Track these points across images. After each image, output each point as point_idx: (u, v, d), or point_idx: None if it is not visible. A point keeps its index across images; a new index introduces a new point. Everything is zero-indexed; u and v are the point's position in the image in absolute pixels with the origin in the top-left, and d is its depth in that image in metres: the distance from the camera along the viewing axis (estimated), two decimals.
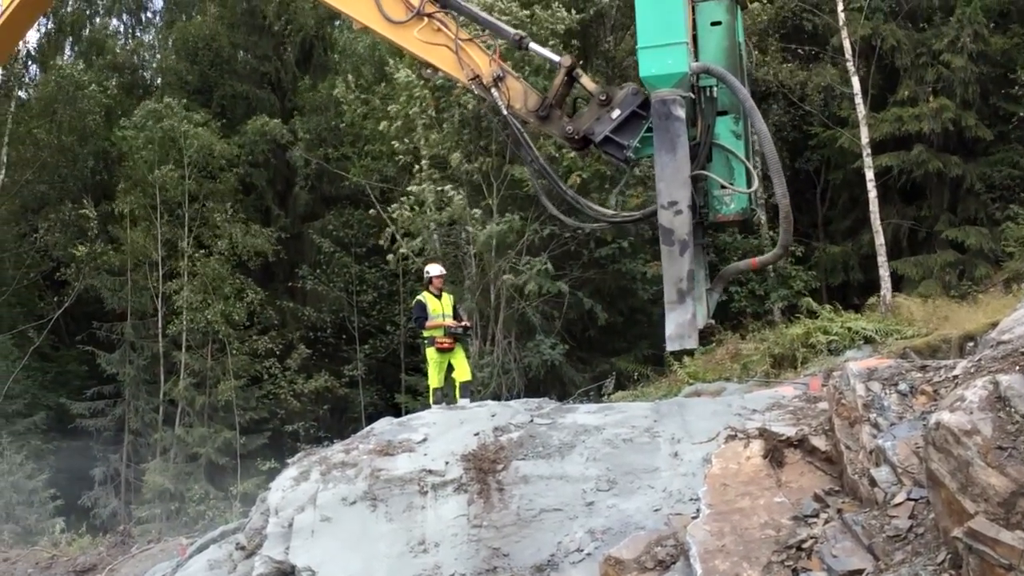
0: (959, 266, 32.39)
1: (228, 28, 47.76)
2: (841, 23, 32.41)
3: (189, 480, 36.31)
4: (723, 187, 14.72)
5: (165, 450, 37.45)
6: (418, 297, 20.12)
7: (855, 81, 32.04)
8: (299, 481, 15.34)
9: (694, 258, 14.39)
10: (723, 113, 14.90)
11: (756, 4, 35.09)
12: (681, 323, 14.13)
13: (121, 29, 55.61)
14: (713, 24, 15.14)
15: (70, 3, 49.41)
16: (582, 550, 12.72)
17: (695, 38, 15.06)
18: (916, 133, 32.81)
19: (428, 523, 13.80)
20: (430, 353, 19.43)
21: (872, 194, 31.04)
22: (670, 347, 14.56)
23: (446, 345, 19.29)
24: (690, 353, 27.72)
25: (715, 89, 14.76)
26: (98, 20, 52.81)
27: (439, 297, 19.59)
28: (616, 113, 14.90)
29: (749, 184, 14.78)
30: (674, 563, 11.59)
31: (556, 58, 15.82)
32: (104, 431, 40.48)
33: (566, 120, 15.38)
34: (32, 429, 39.69)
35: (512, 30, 16.79)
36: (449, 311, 19.58)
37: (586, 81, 15.46)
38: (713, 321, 15.38)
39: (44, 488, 34.98)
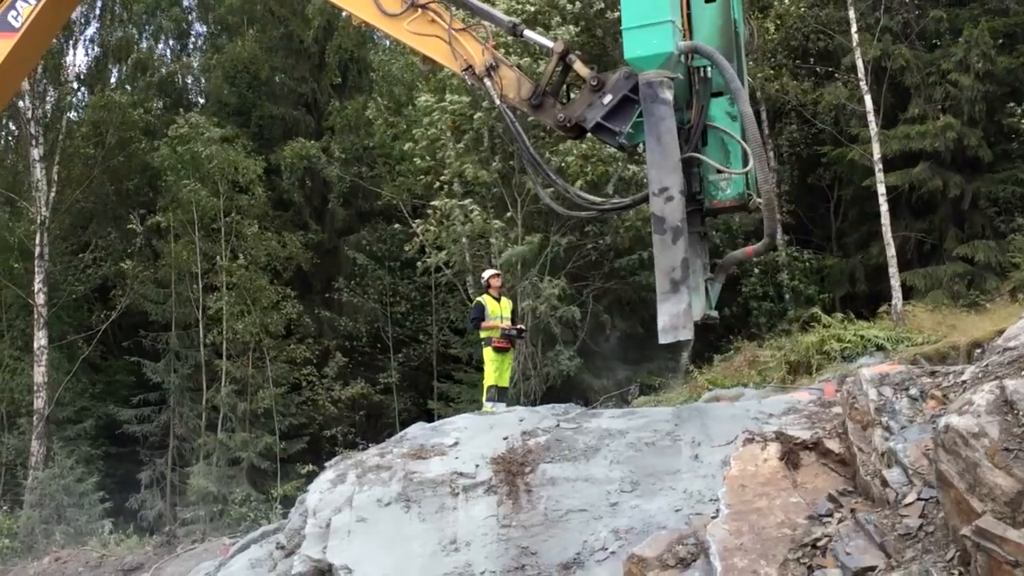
0: (966, 277, 32.26)
1: (266, 52, 47.98)
2: (855, 44, 32.33)
3: (232, 483, 36.33)
4: (719, 171, 14.18)
5: (208, 454, 37.49)
6: (478, 299, 20.12)
7: (867, 100, 31.96)
8: (336, 484, 15.39)
9: (690, 246, 13.84)
10: (718, 94, 14.35)
11: (768, 24, 35.05)
12: (675, 314, 13.56)
13: (167, 53, 55.89)
14: (707, 1, 14.61)
15: (119, 30, 49.56)
16: (607, 549, 12.72)
17: (689, 17, 14.56)
18: (925, 150, 32.68)
19: (459, 523, 13.81)
20: (487, 352, 19.42)
21: (884, 208, 30.96)
22: (663, 339, 13.82)
23: (502, 345, 19.35)
24: (707, 360, 27.77)
25: (709, 69, 14.21)
26: (144, 44, 52.97)
27: (498, 300, 19.65)
28: (608, 98, 14.37)
29: (745, 167, 14.18)
30: (695, 561, 11.58)
31: (550, 44, 15.43)
32: (150, 436, 40.55)
33: (559, 108, 14.93)
34: (82, 435, 39.81)
35: (507, 18, 16.50)
36: (507, 314, 19.63)
37: (579, 67, 14.95)
38: (716, 313, 14.93)
39: (93, 491, 35.05)
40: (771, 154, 34.61)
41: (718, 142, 14.35)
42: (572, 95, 15.34)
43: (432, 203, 32.61)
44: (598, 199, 16.41)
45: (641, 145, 14.56)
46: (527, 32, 15.78)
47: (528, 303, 30.59)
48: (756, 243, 16.50)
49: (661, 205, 13.66)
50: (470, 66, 15.33)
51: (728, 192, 14.34)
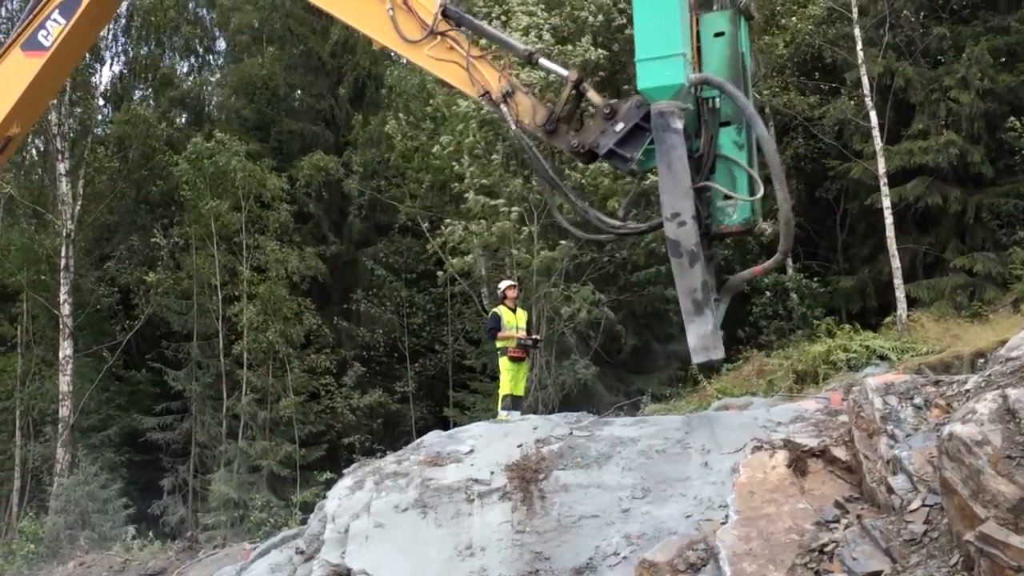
0: (969, 288, 32.20)
1: (285, 69, 48.05)
2: (860, 60, 32.30)
3: (252, 489, 36.38)
4: (727, 197, 14.23)
5: (229, 462, 37.53)
6: (494, 310, 20.19)
7: (872, 115, 31.92)
8: (354, 490, 15.40)
9: (705, 268, 13.92)
10: (726, 124, 14.45)
11: (778, 40, 35.01)
12: (703, 335, 13.66)
13: (188, 69, 56.05)
14: (716, 35, 14.71)
15: (144, 48, 49.72)
16: (618, 554, 12.72)
17: (699, 50, 14.67)
18: (928, 166, 32.64)
19: (475, 529, 13.82)
20: (503, 362, 19.46)
21: (889, 221, 30.93)
22: (695, 359, 14.03)
23: (518, 354, 19.36)
24: (716, 370, 27.73)
25: (717, 100, 14.37)
26: (168, 60, 53.15)
27: (514, 311, 19.67)
28: (620, 126, 14.38)
29: (752, 194, 14.27)
30: (704, 566, 11.60)
31: (564, 72, 15.40)
32: (173, 444, 40.69)
33: (572, 134, 14.93)
34: (106, 443, 40.01)
35: (523, 46, 16.59)
36: (523, 324, 19.66)
37: (592, 95, 15.01)
38: (722, 331, 14.98)
39: (117, 497, 35.12)
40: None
41: (726, 169, 14.38)
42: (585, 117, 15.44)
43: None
44: (616, 222, 16.37)
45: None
46: (542, 60, 15.76)
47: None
48: (764, 262, 16.56)
49: (675, 230, 13.74)
50: (487, 92, 15.31)
51: (735, 218, 14.40)
